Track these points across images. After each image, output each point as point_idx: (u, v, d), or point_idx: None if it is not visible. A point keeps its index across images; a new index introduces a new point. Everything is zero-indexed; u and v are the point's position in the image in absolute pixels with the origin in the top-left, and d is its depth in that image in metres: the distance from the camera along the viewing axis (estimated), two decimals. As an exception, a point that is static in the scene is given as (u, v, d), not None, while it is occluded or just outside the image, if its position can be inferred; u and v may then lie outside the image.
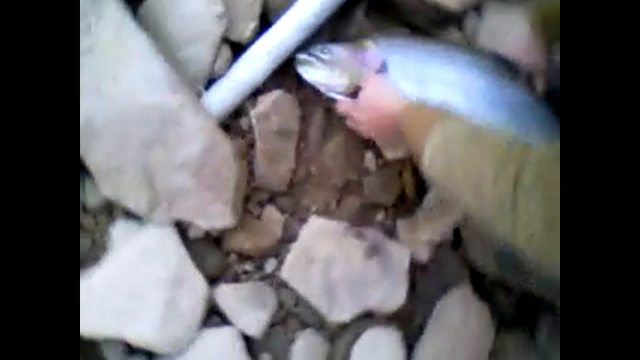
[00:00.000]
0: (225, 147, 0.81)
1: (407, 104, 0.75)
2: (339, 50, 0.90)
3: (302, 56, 0.89)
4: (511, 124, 0.85)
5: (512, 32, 0.93)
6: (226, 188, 0.81)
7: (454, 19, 1.01)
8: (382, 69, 0.87)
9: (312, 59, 0.88)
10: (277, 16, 0.92)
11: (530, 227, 0.51)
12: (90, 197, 0.79)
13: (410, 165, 1.00)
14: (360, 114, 0.84)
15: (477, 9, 1.01)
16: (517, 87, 0.89)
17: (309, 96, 0.98)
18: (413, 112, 0.74)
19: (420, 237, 0.95)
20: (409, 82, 0.86)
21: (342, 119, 0.92)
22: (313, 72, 0.88)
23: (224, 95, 0.88)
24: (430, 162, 0.67)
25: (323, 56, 0.89)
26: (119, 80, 0.74)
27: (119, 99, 0.74)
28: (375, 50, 0.88)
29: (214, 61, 0.87)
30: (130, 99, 0.75)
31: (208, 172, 0.79)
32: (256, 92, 0.93)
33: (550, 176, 0.50)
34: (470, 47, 0.99)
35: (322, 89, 0.89)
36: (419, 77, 0.87)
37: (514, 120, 0.86)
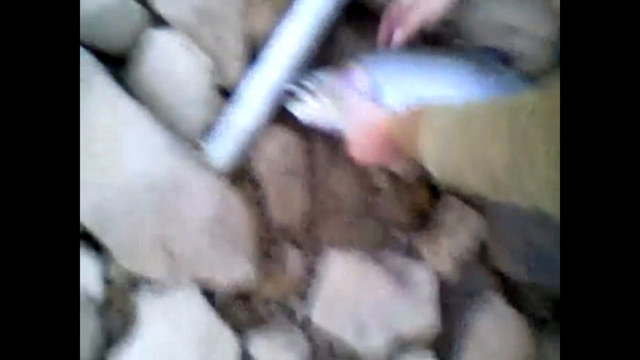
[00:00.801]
0: (236, 200, 0.81)
1: (392, 116, 0.73)
2: (324, 77, 0.88)
3: (290, 90, 0.88)
4: None
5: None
6: (243, 241, 0.81)
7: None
8: (370, 88, 0.85)
9: (301, 95, 0.87)
10: (263, 44, 0.91)
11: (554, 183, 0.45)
12: (113, 272, 0.80)
13: (423, 176, 0.99)
14: (353, 143, 0.81)
15: None
16: (511, 76, 0.87)
17: (307, 124, 0.97)
18: (398, 121, 0.71)
19: (444, 252, 0.94)
20: (398, 96, 0.85)
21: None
22: (306, 110, 0.87)
23: (225, 145, 0.87)
24: (434, 166, 0.62)
25: (310, 86, 0.87)
26: (120, 156, 0.74)
27: (124, 176, 0.74)
28: (359, 70, 0.87)
29: (207, 112, 0.87)
30: (135, 174, 0.75)
31: (223, 228, 0.79)
32: (259, 133, 0.92)
33: (553, 121, 0.44)
34: (456, 48, 0.96)
35: (320, 125, 0.88)
36: (407, 88, 0.86)
37: None
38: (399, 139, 0.71)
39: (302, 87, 0.87)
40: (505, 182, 0.52)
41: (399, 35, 0.87)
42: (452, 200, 0.99)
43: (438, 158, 0.60)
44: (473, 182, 0.56)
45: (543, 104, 0.48)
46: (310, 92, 0.86)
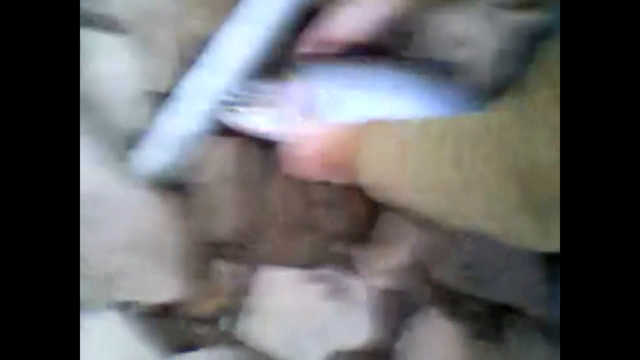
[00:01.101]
0: (160, 215, 0.76)
1: (331, 130, 0.72)
2: (262, 87, 0.85)
3: (228, 101, 0.84)
4: None
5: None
6: (171, 258, 0.77)
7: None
8: (309, 102, 0.83)
9: (235, 105, 0.83)
10: (202, 48, 0.86)
11: (503, 205, 0.46)
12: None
13: (362, 190, 0.98)
14: (291, 157, 0.80)
15: None
16: (457, 90, 0.87)
17: (243, 135, 0.94)
18: (337, 135, 0.70)
19: (378, 265, 0.93)
20: (340, 111, 0.83)
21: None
22: (239, 120, 0.83)
23: (156, 154, 0.82)
24: (372, 183, 0.63)
25: (245, 96, 0.84)
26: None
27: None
28: (298, 82, 0.84)
29: (137, 118, 0.81)
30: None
31: (145, 245, 0.75)
32: (190, 139, 0.87)
33: (508, 136, 0.45)
34: (402, 60, 0.94)
35: (263, 134, 0.85)
36: (349, 103, 0.84)
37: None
38: (337, 154, 0.70)
39: (237, 97, 0.84)
40: (446, 207, 0.51)
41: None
42: (391, 213, 0.98)
43: (377, 176, 0.60)
44: (413, 202, 0.57)
45: (487, 131, 0.48)
46: (245, 103, 0.83)
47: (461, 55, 0.95)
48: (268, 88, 0.84)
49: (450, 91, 0.87)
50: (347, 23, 0.79)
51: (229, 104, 0.84)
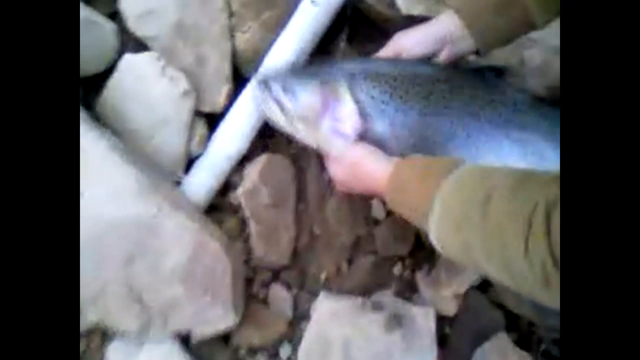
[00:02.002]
0: (214, 244, 0.73)
1: (389, 177, 0.65)
2: (303, 94, 0.74)
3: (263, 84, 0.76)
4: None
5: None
6: (222, 287, 0.74)
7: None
8: (356, 118, 0.73)
9: (269, 101, 0.75)
10: (253, 69, 0.83)
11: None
12: (83, 324, 0.72)
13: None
14: (342, 181, 0.76)
15: None
16: (522, 104, 0.78)
17: (300, 149, 0.89)
18: (400, 189, 0.65)
19: (445, 290, 0.87)
20: (392, 127, 0.74)
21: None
22: (269, 114, 0.77)
23: (205, 176, 0.79)
24: (441, 243, 0.59)
25: (285, 103, 0.74)
26: (84, 199, 0.66)
27: (90, 221, 0.66)
28: (350, 104, 0.73)
29: (189, 141, 0.78)
30: (101, 218, 0.67)
31: (199, 275, 0.72)
32: (243, 159, 0.84)
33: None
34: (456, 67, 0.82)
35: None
36: (404, 122, 0.74)
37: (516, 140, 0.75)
38: (397, 208, 0.67)
39: (277, 98, 0.75)
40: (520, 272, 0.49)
41: None
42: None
43: (449, 240, 0.57)
44: (487, 269, 0.54)
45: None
46: (282, 107, 0.75)
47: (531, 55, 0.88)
48: (309, 97, 0.74)
49: (515, 112, 0.77)
50: (417, 41, 0.76)
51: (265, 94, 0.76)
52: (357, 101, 0.73)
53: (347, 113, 0.73)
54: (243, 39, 0.82)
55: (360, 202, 0.90)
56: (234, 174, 0.82)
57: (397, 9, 0.88)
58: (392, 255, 0.90)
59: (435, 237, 0.59)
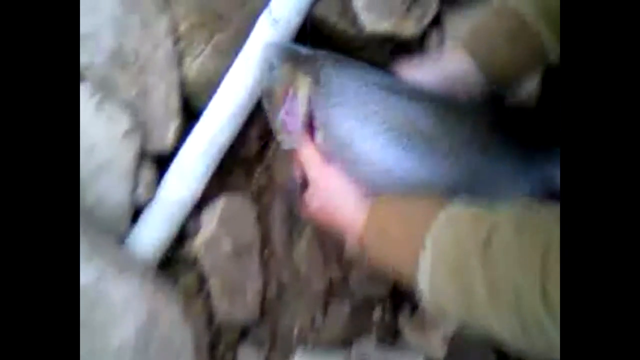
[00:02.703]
0: (169, 310, 0.62)
1: (369, 218, 0.57)
2: (277, 75, 0.67)
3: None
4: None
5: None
6: (180, 352, 0.63)
7: (413, 44, 0.83)
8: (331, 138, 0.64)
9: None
10: (205, 102, 0.73)
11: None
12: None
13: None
14: (312, 213, 0.66)
15: (437, 22, 0.83)
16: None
17: (262, 186, 0.80)
18: (382, 234, 0.56)
19: (432, 334, 0.79)
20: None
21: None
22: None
23: (155, 227, 0.68)
24: (434, 294, 0.51)
25: (263, 73, 0.69)
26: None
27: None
28: (304, 103, 0.64)
29: (135, 188, 0.67)
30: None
31: (154, 350, 0.60)
32: (198, 204, 0.74)
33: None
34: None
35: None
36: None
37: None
38: (380, 255, 0.57)
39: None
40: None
41: None
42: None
43: (444, 289, 0.49)
44: (492, 325, 0.47)
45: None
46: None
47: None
48: (279, 83, 0.67)
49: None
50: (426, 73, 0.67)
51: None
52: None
53: (299, 111, 0.64)
54: (193, 66, 0.71)
55: (331, 241, 0.81)
56: (189, 222, 0.72)
57: (359, 26, 0.80)
58: (370, 297, 0.82)
59: (427, 287, 0.50)
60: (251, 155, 0.79)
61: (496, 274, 0.45)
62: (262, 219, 0.79)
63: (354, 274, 0.81)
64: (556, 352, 0.43)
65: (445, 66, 0.68)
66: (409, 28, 0.78)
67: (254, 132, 0.78)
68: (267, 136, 0.80)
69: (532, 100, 0.76)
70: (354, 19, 0.80)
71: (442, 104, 0.65)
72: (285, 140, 0.67)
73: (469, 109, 0.66)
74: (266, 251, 0.78)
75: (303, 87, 0.65)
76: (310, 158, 0.64)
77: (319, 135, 0.64)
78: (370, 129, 0.61)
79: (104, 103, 0.65)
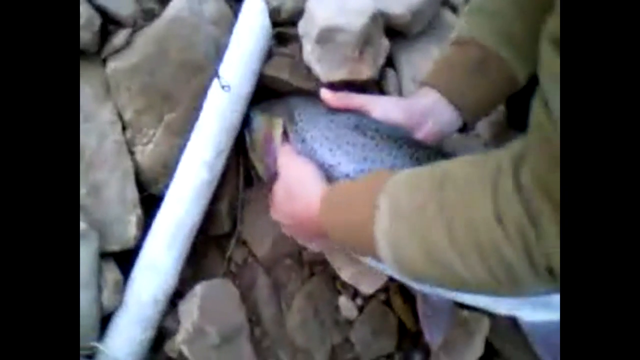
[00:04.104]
0: None
1: (324, 193, 0.57)
2: (256, 126, 0.72)
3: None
4: None
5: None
6: None
7: (371, 86, 0.80)
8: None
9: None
10: (165, 186, 0.68)
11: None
12: None
13: (396, 287, 0.78)
14: (277, 206, 0.65)
15: (391, 63, 0.81)
16: None
17: (240, 263, 0.75)
18: (332, 205, 0.56)
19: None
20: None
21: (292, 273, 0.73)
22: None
23: (129, 332, 0.62)
24: (394, 251, 0.49)
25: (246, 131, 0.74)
26: None
27: None
28: (278, 144, 0.68)
29: (99, 293, 0.61)
30: None
31: None
32: (174, 297, 0.68)
33: (545, 169, 0.38)
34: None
35: None
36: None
37: None
38: (337, 228, 0.56)
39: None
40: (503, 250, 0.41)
41: None
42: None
43: (405, 243, 0.47)
44: (456, 266, 0.45)
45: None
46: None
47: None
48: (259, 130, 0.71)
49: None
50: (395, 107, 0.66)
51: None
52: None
53: (276, 150, 0.68)
54: (145, 153, 0.67)
55: (325, 305, 0.76)
56: (167, 319, 0.66)
57: (313, 78, 0.77)
58: (378, 355, 0.76)
59: (387, 245, 0.49)
60: (224, 233, 0.74)
61: (452, 214, 0.44)
62: (246, 297, 0.74)
63: (355, 335, 0.75)
64: (520, 286, 0.43)
65: (416, 102, 0.66)
66: (365, 71, 0.75)
67: (223, 207, 0.74)
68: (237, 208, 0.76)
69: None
70: (306, 74, 0.76)
71: (411, 143, 0.65)
72: (270, 184, 0.68)
73: (435, 149, 0.65)
74: (257, 331, 0.72)
75: (277, 128, 0.69)
76: (282, 150, 0.66)
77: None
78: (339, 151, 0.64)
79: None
